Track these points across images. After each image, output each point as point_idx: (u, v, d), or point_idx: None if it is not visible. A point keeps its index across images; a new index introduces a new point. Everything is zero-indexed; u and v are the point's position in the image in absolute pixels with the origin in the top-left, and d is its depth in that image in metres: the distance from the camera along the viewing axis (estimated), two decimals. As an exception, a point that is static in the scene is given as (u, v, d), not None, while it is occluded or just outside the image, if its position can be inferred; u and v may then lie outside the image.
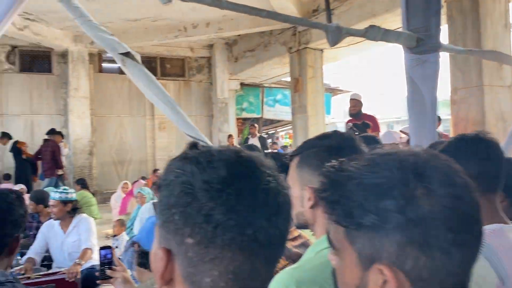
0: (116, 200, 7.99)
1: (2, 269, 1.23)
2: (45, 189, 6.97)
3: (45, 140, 9.24)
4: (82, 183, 8.60)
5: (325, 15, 3.22)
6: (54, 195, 3.69)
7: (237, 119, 13.62)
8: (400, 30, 2.76)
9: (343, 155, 0.70)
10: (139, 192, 5.34)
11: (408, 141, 5.51)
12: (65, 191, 3.74)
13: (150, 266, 1.56)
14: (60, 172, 9.03)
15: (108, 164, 11.33)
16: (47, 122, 10.85)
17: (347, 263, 0.60)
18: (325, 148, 0.96)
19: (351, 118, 6.24)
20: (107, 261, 1.63)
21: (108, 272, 1.65)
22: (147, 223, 1.61)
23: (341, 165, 0.62)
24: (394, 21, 6.66)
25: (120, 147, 11.79)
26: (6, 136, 9.42)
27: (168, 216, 0.57)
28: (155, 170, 10.40)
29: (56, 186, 8.60)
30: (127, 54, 2.22)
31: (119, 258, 4.40)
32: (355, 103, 6.18)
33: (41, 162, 9.26)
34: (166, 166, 0.63)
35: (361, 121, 5.98)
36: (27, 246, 4.37)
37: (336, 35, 2.36)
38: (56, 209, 3.67)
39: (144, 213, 3.40)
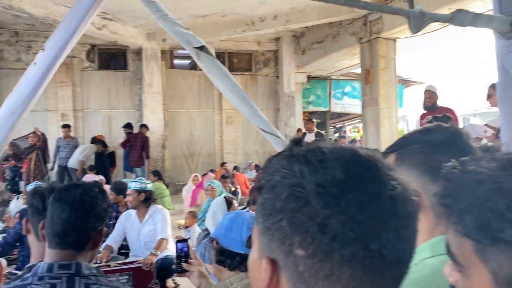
0: (187, 191, 8.23)
1: (86, 262, 1.26)
2: (124, 180, 7.37)
3: (128, 133, 9.80)
4: (157, 175, 8.99)
5: (404, 1, 3.02)
6: (131, 184, 3.85)
7: (304, 112, 13.46)
8: (490, 13, 2.51)
9: (452, 153, 0.60)
10: (209, 185, 5.43)
11: (495, 135, 5.08)
12: (140, 181, 3.89)
13: (228, 264, 1.53)
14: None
15: (179, 157, 11.72)
16: (123, 116, 11.44)
17: (476, 284, 0.50)
18: (429, 145, 0.84)
19: (425, 112, 5.88)
20: (183, 254, 1.63)
21: (184, 265, 1.65)
22: (225, 220, 1.59)
23: (465, 166, 0.53)
24: (477, 5, 6.17)
25: (190, 140, 12.15)
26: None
27: (273, 222, 0.50)
28: (222, 163, 10.60)
29: (143, 175, 9.12)
30: (201, 48, 2.21)
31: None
32: (430, 94, 5.81)
33: (125, 153, 9.79)
34: (267, 164, 0.55)
35: (436, 113, 5.62)
36: (106, 235, 4.62)
37: (419, 21, 2.18)
38: (131, 197, 3.83)
39: (216, 206, 3.43)
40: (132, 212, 3.95)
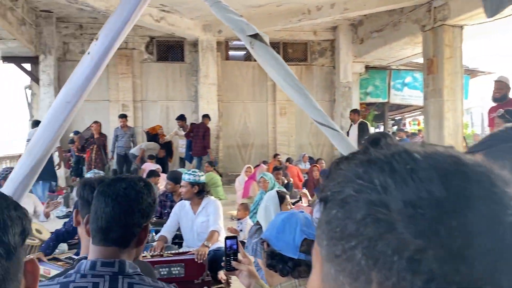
0: (240, 183, 8.24)
1: (130, 260, 1.21)
2: (180, 169, 7.50)
3: (191, 123, 9.99)
4: (212, 165, 9.10)
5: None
6: (184, 176, 3.85)
7: (361, 104, 13.04)
8: None
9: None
10: (262, 177, 5.36)
11: None
12: (194, 173, 3.88)
13: (279, 269, 1.41)
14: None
15: (232, 147, 11.79)
16: (180, 107, 11.68)
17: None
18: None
19: (495, 104, 5.42)
20: (232, 252, 1.54)
21: (233, 263, 1.56)
22: (277, 220, 1.47)
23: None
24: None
25: (243, 131, 12.18)
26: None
27: (343, 249, 0.37)
28: (275, 155, 10.50)
29: (200, 164, 9.28)
30: (255, 36, 2.11)
31: (243, 242, 4.43)
32: (501, 85, 5.34)
33: (187, 142, 9.97)
34: (334, 169, 0.41)
35: (508, 106, 5.15)
36: (161, 224, 4.69)
37: (497, 4, 1.94)
38: (185, 189, 3.83)
39: (269, 201, 3.33)
40: (186, 202, 3.96)
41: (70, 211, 7.04)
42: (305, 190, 6.86)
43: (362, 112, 13.21)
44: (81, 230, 1.56)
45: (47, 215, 4.55)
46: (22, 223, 0.72)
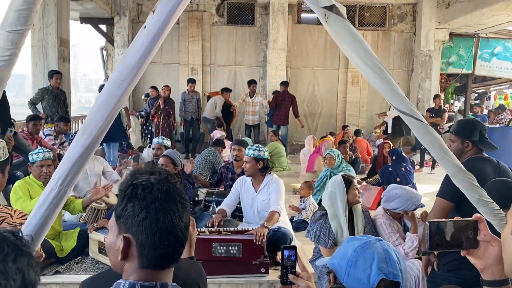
0: (304, 154, 8.00)
1: (170, 281, 1.05)
2: (244, 138, 7.41)
3: (275, 91, 9.80)
4: (276, 134, 8.92)
5: None
6: (248, 151, 3.71)
7: (441, 74, 12.03)
8: None
9: None
10: (328, 153, 5.08)
11: None
12: (258, 148, 3.73)
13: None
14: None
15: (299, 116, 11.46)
16: (247, 72, 11.52)
17: None
18: None
19: None
20: (290, 264, 1.34)
21: (290, 277, 1.36)
22: (348, 249, 1.18)
23: None
24: None
25: (311, 99, 11.80)
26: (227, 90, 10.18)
27: None
28: (344, 127, 10.05)
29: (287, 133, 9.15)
30: (330, 8, 1.82)
31: (304, 221, 4.24)
32: None
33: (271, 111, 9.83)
34: None
35: None
36: (223, 195, 4.64)
37: None
38: (249, 165, 3.70)
39: (334, 186, 3.08)
40: (248, 178, 3.84)
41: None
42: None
43: (442, 84, 12.24)
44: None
45: (120, 173, 4.76)
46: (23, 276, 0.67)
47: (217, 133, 9.35)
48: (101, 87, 8.36)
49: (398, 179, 5.75)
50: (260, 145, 3.84)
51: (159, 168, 1.55)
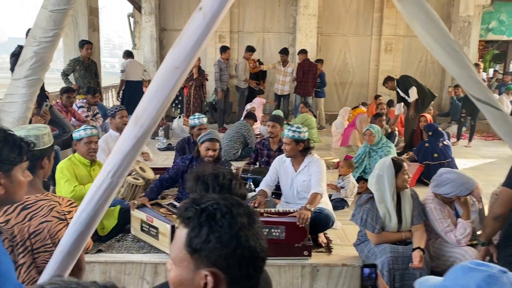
0: (336, 127, 7.80)
1: None
2: (277, 111, 7.25)
3: (305, 60, 9.46)
4: (307, 105, 8.70)
5: None
6: (288, 133, 3.57)
7: (480, 41, 11.42)
8: None
9: None
10: (368, 129, 4.88)
11: None
12: (298, 129, 3.58)
13: None
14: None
15: (329, 85, 11.10)
16: (276, 40, 11.20)
17: None
18: None
19: None
20: (370, 283, 1.23)
21: None
22: (467, 283, 0.96)
23: None
24: None
25: (342, 68, 11.43)
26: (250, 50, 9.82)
27: None
28: (376, 96, 9.73)
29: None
30: (405, -15, 1.62)
31: (342, 200, 4.11)
32: None
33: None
34: None
35: None
36: (258, 172, 4.55)
37: None
38: (289, 147, 3.57)
39: (382, 169, 2.91)
40: (286, 158, 3.71)
41: (170, 144, 7.26)
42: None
43: (479, 50, 11.64)
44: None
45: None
46: None
47: (258, 101, 9.18)
48: (127, 52, 8.21)
49: (435, 155, 5.54)
50: (300, 125, 3.69)
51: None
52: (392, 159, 2.97)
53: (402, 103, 7.78)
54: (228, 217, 0.90)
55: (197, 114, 4.81)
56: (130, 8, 11.58)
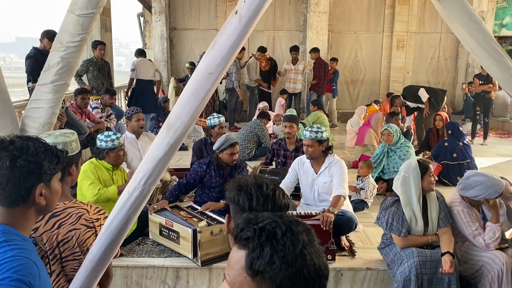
0: (352, 125, 7.72)
1: None
2: (289, 111, 7.18)
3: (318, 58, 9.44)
4: (317, 104, 8.62)
5: None
6: (310, 134, 3.51)
7: (494, 37, 11.24)
8: None
9: None
10: (386, 129, 4.81)
11: None
12: (319, 130, 3.52)
13: None
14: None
15: (340, 83, 11.01)
16: (286, 38, 11.12)
17: None
18: None
19: None
20: None
21: None
22: None
23: None
24: None
25: (353, 65, 11.33)
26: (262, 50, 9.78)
27: None
28: (388, 94, 9.63)
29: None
30: (447, -16, 1.57)
31: (362, 201, 4.05)
32: None
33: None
34: None
35: None
36: (275, 173, 4.51)
37: None
38: (312, 149, 3.51)
39: (408, 171, 2.83)
40: (305, 159, 3.66)
41: (183, 144, 7.22)
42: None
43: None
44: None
45: None
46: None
47: (281, 100, 9.14)
48: (138, 51, 8.15)
49: (454, 155, 5.46)
50: (319, 125, 3.64)
51: (265, 179, 1.40)
52: (418, 161, 2.91)
53: (412, 116, 7.77)
54: (289, 235, 0.85)
55: (215, 114, 4.76)
56: (137, 7, 11.56)
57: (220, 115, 4.69)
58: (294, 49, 9.27)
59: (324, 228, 3.05)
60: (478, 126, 8.59)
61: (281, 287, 0.83)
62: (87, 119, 5.61)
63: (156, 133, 8.55)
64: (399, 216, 2.86)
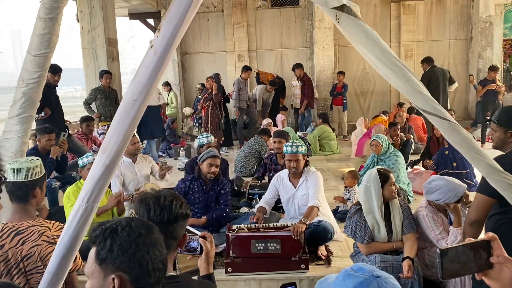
0: (356, 136, 7.79)
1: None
2: (286, 128, 7.35)
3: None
4: (324, 117, 8.73)
5: None
6: (290, 149, 3.65)
7: (504, 40, 11.09)
8: None
9: None
10: (374, 139, 4.88)
11: None
12: (299, 144, 3.68)
13: None
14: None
15: (350, 95, 11.10)
16: (294, 55, 11.34)
17: None
18: None
19: None
20: None
21: None
22: None
23: None
24: None
25: (362, 77, 11.40)
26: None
27: None
28: (400, 104, 9.62)
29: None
30: (341, 8, 1.73)
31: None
32: None
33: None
34: None
35: None
36: (265, 188, 4.64)
37: None
38: (297, 163, 3.65)
39: (369, 180, 2.93)
40: (284, 175, 3.81)
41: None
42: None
43: (505, 50, 11.29)
44: None
45: (162, 177, 4.81)
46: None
47: (281, 117, 9.37)
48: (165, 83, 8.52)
49: (454, 164, 5.44)
50: (294, 140, 3.80)
51: (164, 192, 1.58)
52: (378, 170, 3.00)
53: None
54: (127, 229, 1.09)
55: (204, 133, 4.99)
56: (149, 34, 12.08)
57: (209, 135, 4.91)
58: (296, 67, 9.45)
59: (295, 238, 3.17)
60: (488, 131, 8.46)
61: (121, 269, 1.05)
62: (93, 145, 5.94)
63: (169, 154, 8.81)
64: (361, 224, 2.96)
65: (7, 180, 2.08)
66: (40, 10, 2.01)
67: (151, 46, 1.75)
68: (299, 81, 9.42)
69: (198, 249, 1.72)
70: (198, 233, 3.49)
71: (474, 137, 7.73)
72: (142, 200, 1.52)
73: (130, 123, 1.82)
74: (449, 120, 1.77)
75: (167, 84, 10.55)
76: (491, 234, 1.08)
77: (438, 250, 1.06)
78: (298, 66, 9.44)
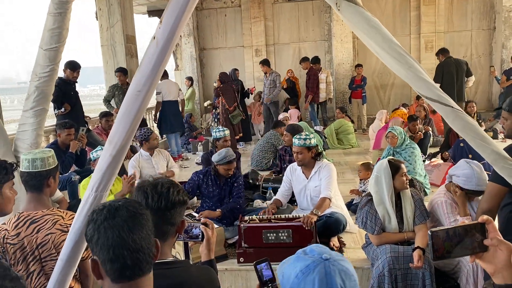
0: (374, 130, 7.71)
1: None
2: (300, 123, 7.32)
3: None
4: (343, 111, 8.68)
5: None
6: (299, 141, 3.66)
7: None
8: None
9: None
10: (390, 131, 4.82)
11: None
12: (307, 137, 3.67)
13: None
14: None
15: (370, 88, 10.98)
16: (312, 48, 11.26)
17: None
18: None
19: None
20: (269, 280, 1.25)
21: None
22: (291, 272, 1.03)
23: None
24: None
25: (382, 70, 11.24)
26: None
27: None
28: (418, 97, 9.46)
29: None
30: (341, -5, 1.72)
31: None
32: None
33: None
34: None
35: None
36: (279, 181, 4.66)
37: None
38: (302, 155, 3.66)
39: (379, 171, 2.91)
40: (297, 165, 3.81)
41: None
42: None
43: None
44: None
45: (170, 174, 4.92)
46: None
47: (293, 112, 9.33)
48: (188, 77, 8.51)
49: (470, 156, 5.32)
50: (308, 133, 3.79)
51: (162, 179, 1.62)
52: (388, 161, 2.98)
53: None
54: (96, 214, 1.15)
55: (220, 127, 5.04)
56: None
57: (225, 129, 4.95)
58: (315, 61, 9.38)
59: (306, 228, 3.18)
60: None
61: (94, 253, 1.15)
62: (112, 140, 6.06)
63: (187, 149, 8.90)
64: (372, 215, 2.94)
65: (21, 170, 2.16)
66: (50, 5, 2.08)
67: (154, 38, 1.79)
68: (306, 75, 9.38)
69: (200, 236, 1.76)
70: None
71: (497, 129, 7.52)
72: (140, 187, 1.57)
73: (136, 113, 1.87)
74: (452, 107, 1.76)
75: (190, 78, 10.61)
76: (485, 217, 1.08)
77: (429, 232, 1.07)
78: (304, 60, 9.44)
